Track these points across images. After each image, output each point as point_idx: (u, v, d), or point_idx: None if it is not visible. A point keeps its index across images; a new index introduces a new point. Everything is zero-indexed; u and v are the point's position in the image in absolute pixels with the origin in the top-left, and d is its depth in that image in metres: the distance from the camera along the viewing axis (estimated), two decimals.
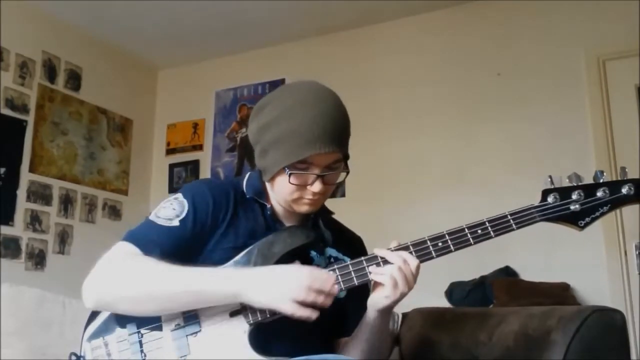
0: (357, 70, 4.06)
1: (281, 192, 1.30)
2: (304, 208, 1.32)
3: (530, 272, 3.19)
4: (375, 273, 1.24)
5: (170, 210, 1.30)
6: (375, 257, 1.26)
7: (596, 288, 3.12)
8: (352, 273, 1.25)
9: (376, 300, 1.26)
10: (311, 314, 1.16)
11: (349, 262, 1.26)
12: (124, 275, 1.22)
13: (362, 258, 1.26)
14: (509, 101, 3.59)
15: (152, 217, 1.30)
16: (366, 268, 1.25)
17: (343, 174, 1.32)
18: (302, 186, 1.27)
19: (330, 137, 1.23)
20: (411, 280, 1.23)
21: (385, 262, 1.24)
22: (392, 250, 1.25)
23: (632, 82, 3.30)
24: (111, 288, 1.22)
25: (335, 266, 1.25)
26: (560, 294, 3.00)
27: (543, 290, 3.01)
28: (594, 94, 3.38)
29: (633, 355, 2.90)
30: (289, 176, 1.24)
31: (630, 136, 3.23)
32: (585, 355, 1.35)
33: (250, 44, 4.39)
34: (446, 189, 3.63)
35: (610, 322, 1.41)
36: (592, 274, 3.13)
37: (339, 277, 1.24)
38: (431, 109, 3.80)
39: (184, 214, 1.28)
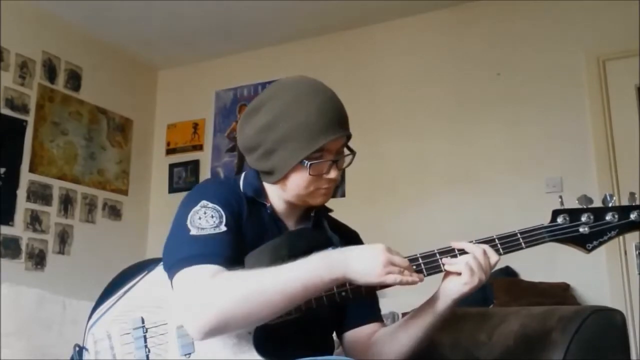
0: (357, 70, 4.06)
1: (296, 187, 1.30)
2: (319, 200, 1.34)
3: (530, 272, 3.19)
4: (449, 264, 1.25)
5: (209, 218, 1.23)
6: (452, 249, 1.26)
7: (596, 288, 3.13)
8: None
9: (453, 288, 1.25)
10: (415, 279, 1.17)
11: (418, 255, 1.26)
12: (234, 291, 1.12)
13: (436, 250, 1.26)
14: (509, 101, 3.60)
15: (193, 233, 1.21)
16: (440, 260, 1.24)
17: (349, 158, 1.34)
18: (318, 177, 1.29)
19: (340, 121, 1.29)
20: (487, 269, 1.24)
21: (462, 253, 1.25)
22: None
23: (632, 82, 3.31)
24: (225, 313, 1.11)
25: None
26: (560, 294, 3.01)
27: (543, 290, 3.01)
28: (593, 94, 3.38)
29: (633, 356, 2.90)
30: (309, 167, 1.26)
31: (630, 136, 3.23)
32: (585, 355, 1.35)
33: (250, 44, 4.39)
34: (446, 189, 3.63)
35: (610, 322, 1.41)
36: (592, 274, 3.13)
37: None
38: (431, 109, 3.80)
39: (224, 219, 1.24)
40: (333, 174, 1.29)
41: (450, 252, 1.26)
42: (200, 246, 1.19)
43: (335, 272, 1.14)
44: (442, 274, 1.27)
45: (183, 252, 1.19)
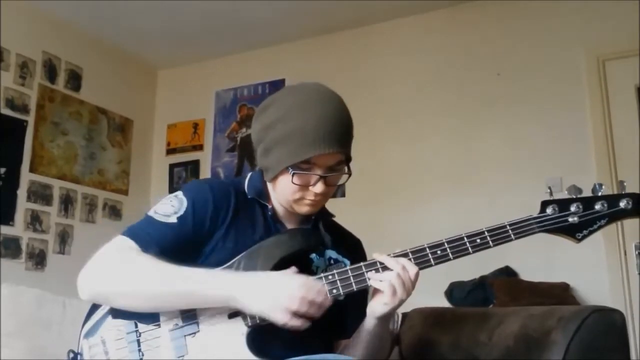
0: (356, 70, 4.06)
1: (283, 191, 1.30)
2: (304, 209, 1.32)
3: (530, 272, 3.19)
4: (374, 279, 1.25)
5: (169, 207, 1.30)
6: (375, 262, 1.26)
7: (596, 288, 3.13)
8: (352, 278, 1.25)
9: (375, 308, 1.27)
10: (302, 324, 1.16)
11: (348, 267, 1.27)
12: (120, 270, 1.22)
13: (362, 264, 1.27)
14: (509, 101, 3.60)
15: (150, 213, 1.30)
16: (365, 274, 1.25)
17: (345, 176, 1.32)
18: (304, 186, 1.27)
19: (334, 138, 1.24)
20: (409, 287, 1.24)
21: (385, 268, 1.25)
22: (391, 257, 1.26)
23: (632, 82, 3.30)
24: (107, 282, 1.22)
25: (335, 271, 1.26)
26: (560, 294, 3.01)
27: (543, 290, 3.01)
28: (593, 94, 3.38)
29: (633, 355, 2.90)
30: (292, 176, 1.25)
31: (630, 136, 3.23)
32: (584, 355, 1.35)
33: (250, 44, 4.39)
34: (445, 189, 3.63)
35: (610, 322, 1.41)
36: (592, 273, 3.14)
37: (338, 281, 1.24)
38: (431, 109, 3.80)
39: (182, 211, 1.28)
40: (319, 189, 1.27)
41: (374, 266, 1.26)
42: (142, 225, 1.29)
43: (223, 295, 1.18)
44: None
45: (133, 224, 1.30)
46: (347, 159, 1.31)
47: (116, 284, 1.21)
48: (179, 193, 1.33)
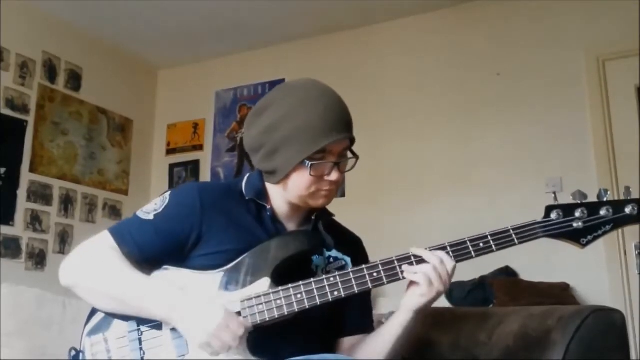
0: (356, 70, 4.06)
1: (297, 188, 1.31)
2: (320, 201, 1.33)
3: (530, 272, 3.19)
4: (408, 272, 1.25)
5: (152, 205, 1.34)
6: (409, 256, 1.27)
7: (596, 288, 3.13)
8: (353, 280, 1.25)
9: (411, 300, 1.26)
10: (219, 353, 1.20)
11: (354, 269, 1.26)
12: (92, 270, 1.29)
13: (394, 257, 1.27)
14: (508, 101, 3.60)
15: (138, 211, 1.35)
16: (397, 267, 1.25)
17: (353, 160, 1.35)
18: (319, 178, 1.29)
19: (343, 124, 1.29)
20: (446, 280, 1.24)
21: (420, 261, 1.25)
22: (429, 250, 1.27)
23: (632, 83, 3.31)
24: (80, 279, 1.30)
25: (337, 273, 1.26)
26: (560, 294, 3.01)
27: (543, 290, 3.01)
28: (593, 94, 3.38)
29: (633, 355, 2.90)
30: (310, 168, 1.26)
31: (630, 136, 3.23)
32: (584, 355, 1.35)
33: (250, 44, 4.40)
34: (445, 189, 3.63)
35: (609, 322, 1.41)
36: (592, 273, 3.14)
37: (340, 283, 1.24)
38: (431, 109, 3.80)
39: (160, 209, 1.31)
40: (334, 176, 1.29)
41: (408, 260, 1.26)
42: (126, 222, 1.36)
43: (165, 315, 1.23)
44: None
45: (121, 221, 1.39)
46: (351, 143, 1.34)
47: (87, 282, 1.29)
48: (167, 193, 1.36)
